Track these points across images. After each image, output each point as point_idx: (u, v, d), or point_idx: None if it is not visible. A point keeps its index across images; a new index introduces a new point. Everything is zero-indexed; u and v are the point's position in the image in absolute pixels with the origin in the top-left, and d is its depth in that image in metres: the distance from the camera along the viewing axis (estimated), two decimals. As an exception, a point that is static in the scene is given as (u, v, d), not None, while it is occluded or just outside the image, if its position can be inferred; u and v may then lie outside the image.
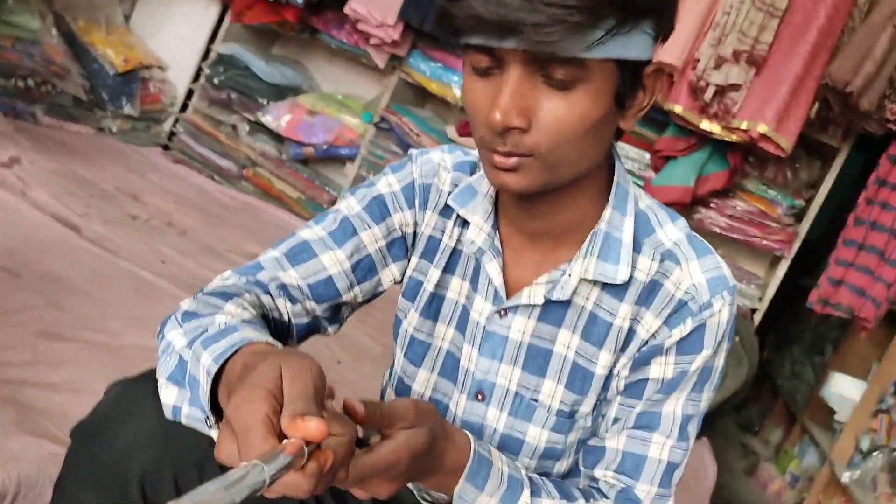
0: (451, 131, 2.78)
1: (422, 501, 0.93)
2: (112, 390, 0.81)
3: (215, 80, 3.11)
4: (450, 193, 0.90)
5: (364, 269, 0.90)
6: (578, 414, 0.88)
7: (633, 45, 0.72)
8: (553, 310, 0.86)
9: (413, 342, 0.93)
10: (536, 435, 0.88)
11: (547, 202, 0.82)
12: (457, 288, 0.91)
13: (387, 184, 0.91)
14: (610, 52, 0.70)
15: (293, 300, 0.87)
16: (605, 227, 0.83)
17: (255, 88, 3.08)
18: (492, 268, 0.86)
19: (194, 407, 0.69)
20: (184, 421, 0.71)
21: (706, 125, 2.23)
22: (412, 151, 0.94)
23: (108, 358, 1.31)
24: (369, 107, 3.01)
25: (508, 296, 0.87)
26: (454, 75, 2.74)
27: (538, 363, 0.87)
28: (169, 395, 0.72)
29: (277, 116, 3.00)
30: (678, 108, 2.25)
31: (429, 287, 0.91)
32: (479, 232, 0.86)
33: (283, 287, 0.86)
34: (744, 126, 2.14)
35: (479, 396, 0.89)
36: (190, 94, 3.29)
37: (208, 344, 0.69)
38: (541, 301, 0.84)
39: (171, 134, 3.28)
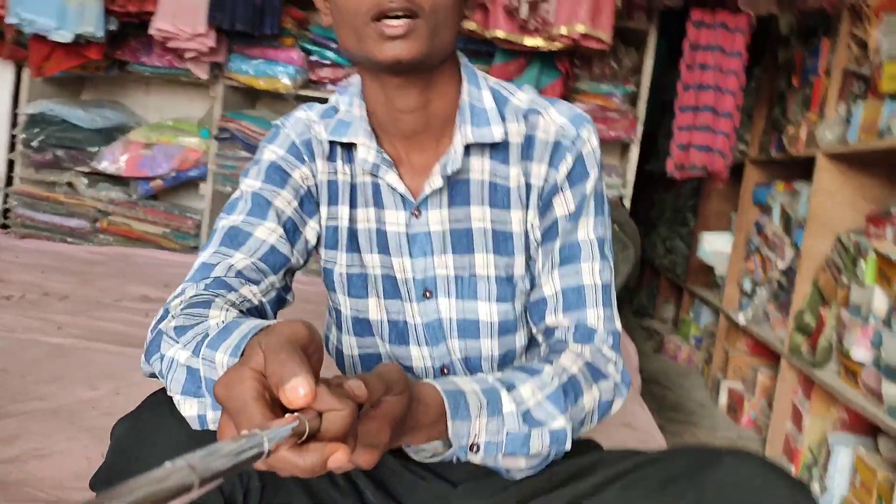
0: (294, 121, 2.78)
1: (422, 460, 0.94)
2: (120, 429, 0.78)
3: (34, 144, 2.95)
4: (329, 141, 0.96)
5: (291, 231, 0.94)
6: (515, 277, 0.96)
7: None
8: (458, 191, 0.94)
9: (351, 279, 0.97)
10: (487, 310, 0.95)
11: (419, 89, 0.89)
12: (364, 217, 0.96)
13: (271, 152, 0.95)
14: None
15: (255, 281, 0.88)
16: (468, 99, 0.93)
17: (79, 139, 2.95)
18: (391, 177, 0.92)
19: (219, 410, 0.67)
20: (212, 427, 0.70)
21: (530, 41, 2.35)
22: (275, 122, 0.99)
23: (56, 419, 1.27)
24: (204, 122, 2.96)
25: (414, 197, 0.94)
26: (278, 66, 2.73)
27: (463, 242, 0.95)
28: (189, 407, 0.71)
29: (114, 160, 2.89)
30: (500, 33, 2.35)
31: (343, 224, 0.96)
32: (368, 150, 0.92)
33: (240, 273, 0.87)
34: (563, 31, 2.28)
35: (427, 294, 0.95)
36: (11, 165, 3.10)
37: (217, 344, 0.69)
38: (440, 183, 0.91)
39: (6, 211, 3.10)
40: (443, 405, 0.75)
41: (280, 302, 0.94)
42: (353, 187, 0.96)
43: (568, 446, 0.84)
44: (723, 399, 3.07)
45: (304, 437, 0.53)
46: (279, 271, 0.92)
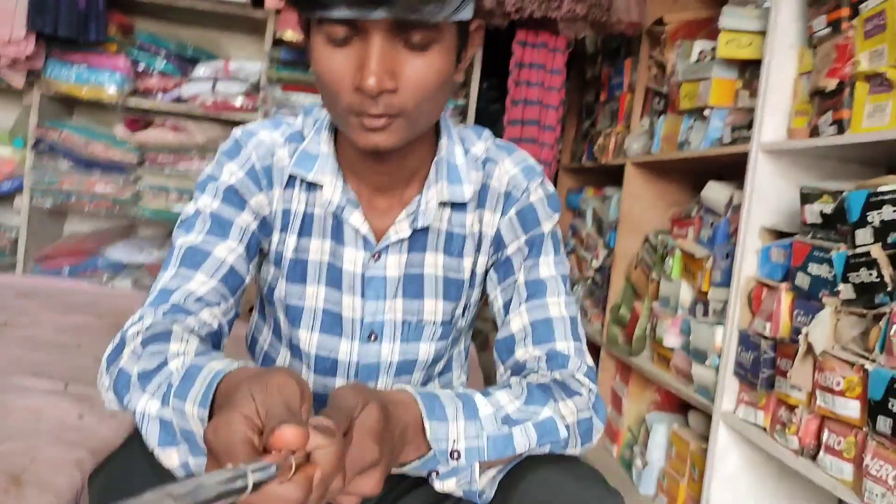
0: (121, 129, 2.67)
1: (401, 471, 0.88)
2: (96, 480, 0.77)
3: None
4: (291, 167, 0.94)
5: (253, 249, 0.94)
6: (455, 318, 1.00)
7: (468, 7, 0.78)
8: (417, 238, 0.95)
9: (289, 308, 0.98)
10: (426, 349, 0.99)
11: (395, 156, 0.89)
12: (317, 248, 0.95)
13: (230, 172, 0.93)
14: (457, 14, 0.76)
15: (215, 304, 0.87)
16: (445, 156, 0.94)
17: None
18: (356, 219, 0.92)
19: (199, 456, 0.68)
20: (195, 472, 0.70)
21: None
22: (236, 133, 0.95)
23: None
24: (16, 132, 2.75)
25: (376, 240, 0.94)
26: (102, 73, 2.60)
27: (415, 288, 0.96)
28: (170, 457, 0.69)
29: None
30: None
31: (288, 254, 0.96)
32: (334, 190, 0.92)
33: (200, 299, 0.86)
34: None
35: (372, 337, 0.97)
36: None
37: (183, 394, 0.67)
38: (408, 233, 0.93)
39: None
40: (418, 405, 0.73)
41: (234, 319, 0.94)
42: (305, 217, 0.95)
43: (563, 434, 0.82)
44: (548, 390, 3.29)
45: (291, 474, 0.52)
46: (237, 291, 0.92)
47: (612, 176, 3.00)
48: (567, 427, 0.83)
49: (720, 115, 2.16)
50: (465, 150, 0.97)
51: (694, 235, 2.28)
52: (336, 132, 0.95)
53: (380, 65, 0.75)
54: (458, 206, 0.97)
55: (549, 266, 0.96)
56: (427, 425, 0.73)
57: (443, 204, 0.95)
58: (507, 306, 0.97)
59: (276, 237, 0.97)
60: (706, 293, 2.09)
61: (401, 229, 0.93)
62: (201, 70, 2.72)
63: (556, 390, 0.85)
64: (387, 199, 0.95)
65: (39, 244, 2.81)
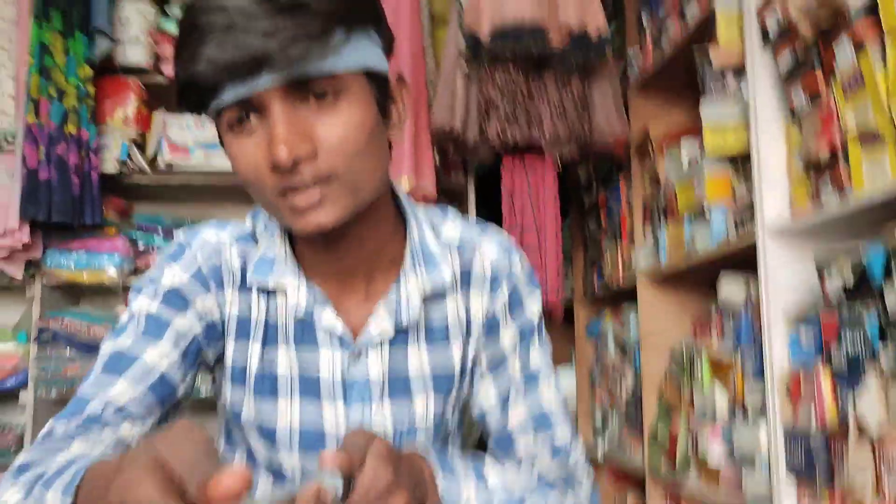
0: (122, 310, 2.65)
1: None
2: None
3: None
4: (243, 269, 0.87)
5: (193, 355, 0.84)
6: (447, 412, 0.92)
7: (370, 55, 0.75)
8: (397, 334, 0.88)
9: (262, 429, 0.88)
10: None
11: (351, 235, 0.82)
12: (285, 362, 0.87)
13: (172, 275, 0.86)
14: (356, 61, 0.73)
15: (138, 417, 0.78)
16: (418, 240, 0.88)
17: None
18: (328, 317, 0.85)
19: None
20: None
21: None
22: (179, 235, 0.90)
23: None
24: (21, 326, 2.74)
25: (353, 338, 0.87)
26: (102, 256, 2.62)
27: (402, 387, 0.89)
28: None
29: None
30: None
31: (254, 368, 0.87)
32: (299, 292, 0.85)
33: (121, 410, 0.77)
34: (390, 190, 2.38)
35: None
36: None
37: (51, 483, 0.60)
38: (392, 333, 0.86)
39: None
40: (430, 462, 0.74)
41: None
42: (267, 326, 0.88)
43: None
44: (598, 536, 3.04)
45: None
46: (166, 404, 0.82)
47: (627, 296, 2.92)
48: None
49: (720, 211, 2.11)
50: (435, 234, 0.92)
51: (718, 337, 2.17)
52: (290, 232, 0.89)
53: (287, 131, 0.70)
54: (436, 296, 0.90)
55: (538, 350, 0.95)
56: (439, 480, 0.73)
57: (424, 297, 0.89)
58: (504, 400, 0.93)
59: (231, 346, 0.88)
60: (742, 395, 1.95)
61: (382, 326, 0.86)
62: (200, 243, 2.74)
63: (560, 487, 0.87)
64: (355, 293, 0.89)
65: (47, 440, 2.71)
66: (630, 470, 2.75)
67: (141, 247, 2.76)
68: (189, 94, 0.72)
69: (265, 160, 0.72)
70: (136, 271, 2.76)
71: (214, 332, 0.88)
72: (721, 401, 2.09)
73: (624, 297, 3.01)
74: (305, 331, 0.87)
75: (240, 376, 0.88)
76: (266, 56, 0.67)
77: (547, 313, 2.79)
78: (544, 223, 2.46)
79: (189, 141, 2.64)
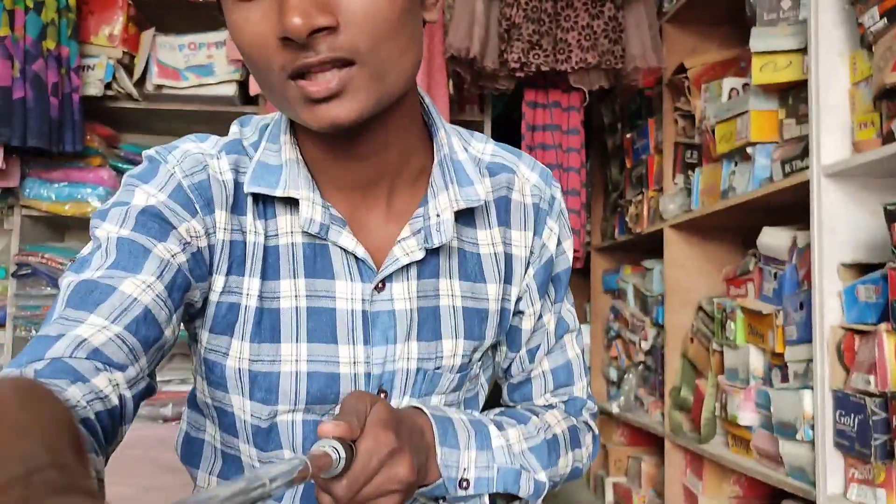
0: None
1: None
2: None
3: None
4: (236, 184, 0.71)
5: (180, 289, 0.66)
6: (472, 362, 0.81)
7: None
8: (426, 261, 0.75)
9: (256, 378, 0.72)
10: (438, 402, 0.80)
11: (373, 137, 0.69)
12: (289, 292, 0.72)
13: (145, 195, 0.68)
14: None
15: (119, 365, 0.60)
16: (447, 151, 0.76)
17: None
18: (346, 240, 0.71)
19: None
20: None
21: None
22: (147, 153, 0.72)
23: None
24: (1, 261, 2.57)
25: (376, 266, 0.73)
26: (85, 188, 2.43)
27: (431, 325, 0.76)
28: None
29: None
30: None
31: (250, 303, 0.71)
32: (313, 206, 0.70)
33: (96, 351, 0.58)
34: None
35: (381, 395, 0.76)
36: None
37: None
38: (421, 255, 0.73)
39: None
40: (431, 427, 0.70)
41: (148, 392, 0.65)
42: (267, 252, 0.71)
43: (555, 484, 0.81)
44: (609, 497, 2.89)
45: (309, 475, 0.49)
46: (151, 349, 0.63)
47: (650, 247, 2.72)
48: (561, 476, 0.83)
49: (765, 150, 1.90)
50: (465, 148, 0.79)
51: (755, 292, 1.97)
52: (297, 136, 0.73)
53: None
54: (465, 218, 0.78)
55: (569, 304, 0.90)
56: (439, 451, 0.70)
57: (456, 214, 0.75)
58: (532, 350, 0.86)
59: (219, 281, 0.71)
60: (781, 355, 1.76)
61: (410, 248, 0.73)
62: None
63: (563, 444, 0.83)
64: (376, 211, 0.75)
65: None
66: (646, 428, 2.58)
67: (128, 178, 2.56)
68: None
69: (273, 31, 0.59)
70: (123, 205, 2.58)
71: (202, 264, 0.70)
72: (756, 361, 1.90)
73: (647, 247, 2.81)
74: (317, 258, 0.73)
75: (224, 318, 0.72)
76: None
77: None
78: (567, 161, 2.25)
79: (181, 63, 2.43)
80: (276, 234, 0.72)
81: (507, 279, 0.81)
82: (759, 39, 1.82)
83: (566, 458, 0.83)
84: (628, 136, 2.88)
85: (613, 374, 3.07)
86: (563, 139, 2.24)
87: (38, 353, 0.57)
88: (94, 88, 2.36)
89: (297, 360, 0.72)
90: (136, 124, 2.69)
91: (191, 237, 0.68)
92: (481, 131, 2.60)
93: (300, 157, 0.72)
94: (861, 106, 1.54)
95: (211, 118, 2.56)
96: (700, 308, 2.29)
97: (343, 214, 0.73)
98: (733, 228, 2.37)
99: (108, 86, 2.40)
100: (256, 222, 0.72)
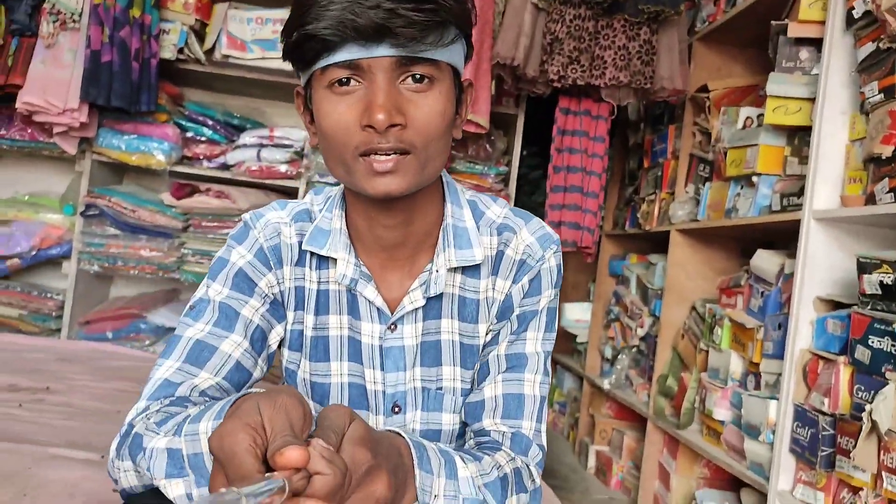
0: (167, 197, 2.71)
1: None
2: None
3: None
4: (300, 245, 0.94)
5: (259, 340, 0.93)
6: (473, 386, 0.98)
7: (460, 57, 0.85)
8: (431, 306, 0.95)
9: (315, 387, 0.97)
10: (450, 420, 0.97)
11: (406, 210, 0.90)
12: (336, 324, 0.95)
13: (239, 256, 0.94)
14: (452, 58, 0.82)
15: (219, 398, 0.86)
16: (451, 221, 0.95)
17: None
18: (369, 292, 0.93)
19: (204, 486, 0.70)
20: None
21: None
22: (245, 217, 0.96)
23: None
24: (67, 198, 2.82)
25: (391, 311, 0.94)
26: (151, 142, 2.66)
27: (432, 354, 0.96)
28: (175, 487, 0.71)
29: (-40, 238, 2.69)
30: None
31: (308, 332, 0.96)
32: (347, 265, 0.93)
33: (203, 392, 0.86)
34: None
35: (396, 409, 0.96)
36: None
37: (200, 417, 0.70)
38: (422, 302, 0.93)
39: None
40: (409, 450, 0.76)
41: None
42: (319, 295, 0.96)
43: None
44: (591, 462, 3.19)
45: (285, 496, 0.53)
46: (241, 388, 0.91)
47: (656, 243, 2.95)
48: None
49: (768, 182, 2.12)
50: (477, 213, 0.98)
51: (743, 305, 2.22)
52: (346, 210, 0.96)
53: (388, 100, 0.78)
54: (470, 271, 0.96)
55: (537, 342, 0.97)
56: (417, 473, 0.75)
57: (453, 269, 0.95)
58: (486, 371, 0.96)
59: (290, 315, 0.97)
60: (757, 365, 2.02)
61: (415, 298, 0.93)
62: (247, 137, 2.76)
63: (510, 485, 0.88)
64: (397, 271, 0.95)
65: (85, 308, 2.83)
66: (632, 407, 2.86)
67: (189, 135, 2.79)
68: (303, 48, 0.79)
69: (358, 120, 0.79)
70: (184, 159, 2.81)
71: (278, 309, 0.95)
72: (736, 366, 2.16)
73: (652, 242, 3.04)
74: (352, 302, 0.95)
75: (297, 342, 0.97)
76: (390, 28, 0.75)
77: (579, 251, 2.85)
78: (591, 166, 2.47)
79: (248, 36, 2.63)
80: (327, 281, 0.96)
81: (489, 318, 0.97)
82: (775, 84, 2.03)
83: (511, 499, 0.88)
84: (649, 137, 3.09)
85: (609, 353, 3.33)
86: (588, 144, 2.46)
87: (170, 392, 0.84)
88: (167, 52, 2.58)
89: (341, 374, 0.96)
90: (201, 84, 2.91)
91: (268, 288, 0.94)
92: (514, 125, 2.83)
93: (344, 226, 0.94)
94: (853, 163, 1.76)
95: (269, 86, 2.78)
96: (694, 308, 2.54)
97: (372, 271, 0.94)
98: (735, 239, 2.60)
99: (179, 50, 2.62)
100: (312, 273, 0.95)
